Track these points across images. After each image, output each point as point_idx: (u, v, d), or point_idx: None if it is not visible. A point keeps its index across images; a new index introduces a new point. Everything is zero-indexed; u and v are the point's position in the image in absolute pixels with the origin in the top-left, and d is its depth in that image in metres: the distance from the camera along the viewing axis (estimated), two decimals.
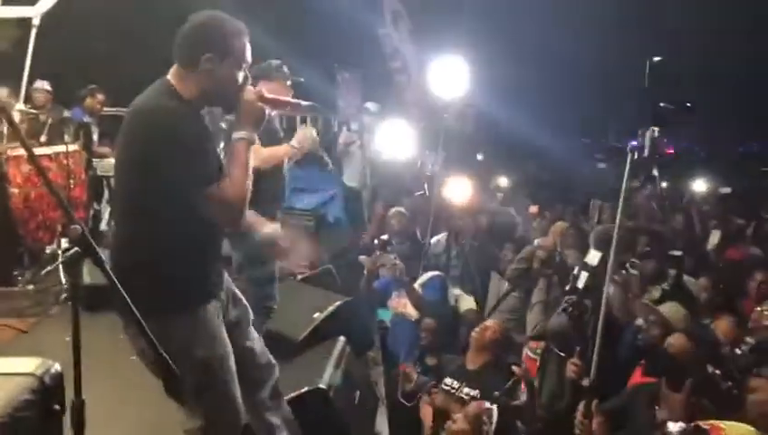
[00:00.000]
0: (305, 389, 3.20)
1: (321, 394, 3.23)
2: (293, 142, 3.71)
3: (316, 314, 4.11)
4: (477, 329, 4.12)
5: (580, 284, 3.23)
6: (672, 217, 8.09)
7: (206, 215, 2.24)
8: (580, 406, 2.87)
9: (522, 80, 15.51)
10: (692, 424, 2.35)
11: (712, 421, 2.37)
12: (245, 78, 2.36)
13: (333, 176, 8.26)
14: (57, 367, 2.35)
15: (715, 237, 6.15)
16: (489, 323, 4.21)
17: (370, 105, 7.05)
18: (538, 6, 15.70)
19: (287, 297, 3.87)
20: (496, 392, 3.37)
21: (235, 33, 2.32)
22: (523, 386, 3.17)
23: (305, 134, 3.79)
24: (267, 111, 2.45)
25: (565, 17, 16.63)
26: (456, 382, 3.95)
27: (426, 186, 8.23)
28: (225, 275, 2.56)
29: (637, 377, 3.44)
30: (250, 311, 2.68)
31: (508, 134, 13.89)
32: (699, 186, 11.42)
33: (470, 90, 4.11)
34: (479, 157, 10.68)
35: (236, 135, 2.34)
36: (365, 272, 5.58)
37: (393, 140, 5.36)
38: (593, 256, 3.28)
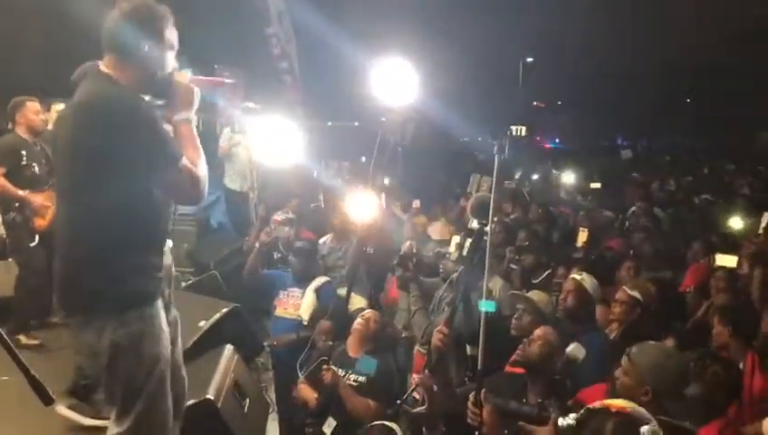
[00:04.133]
0: (192, 401, 3.05)
1: (208, 405, 3.12)
2: None
3: (201, 323, 3.96)
4: (361, 320, 4.23)
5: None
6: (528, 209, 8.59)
7: (177, 191, 2.32)
8: (471, 396, 2.92)
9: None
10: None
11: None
12: (174, 63, 2.43)
13: (216, 179, 7.99)
14: None
15: (583, 236, 6.51)
16: (369, 313, 4.32)
17: (251, 105, 6.91)
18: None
19: None
20: (398, 401, 3.42)
21: (166, 18, 2.38)
22: (422, 393, 3.21)
23: None
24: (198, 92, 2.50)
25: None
26: (341, 370, 4.04)
27: (321, 197, 8.17)
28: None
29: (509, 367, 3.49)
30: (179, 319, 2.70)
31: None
32: (569, 177, 12.16)
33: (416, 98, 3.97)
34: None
35: (178, 117, 2.39)
36: (257, 245, 5.43)
37: (273, 143, 5.22)
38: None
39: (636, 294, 4.02)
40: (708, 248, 5.90)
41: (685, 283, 5.38)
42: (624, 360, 2.66)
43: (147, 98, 2.46)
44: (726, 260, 4.78)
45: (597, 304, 4.42)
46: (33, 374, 1.81)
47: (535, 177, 11.95)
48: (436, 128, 12.78)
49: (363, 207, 4.94)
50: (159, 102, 2.50)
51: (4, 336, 1.79)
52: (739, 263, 4.78)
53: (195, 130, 2.43)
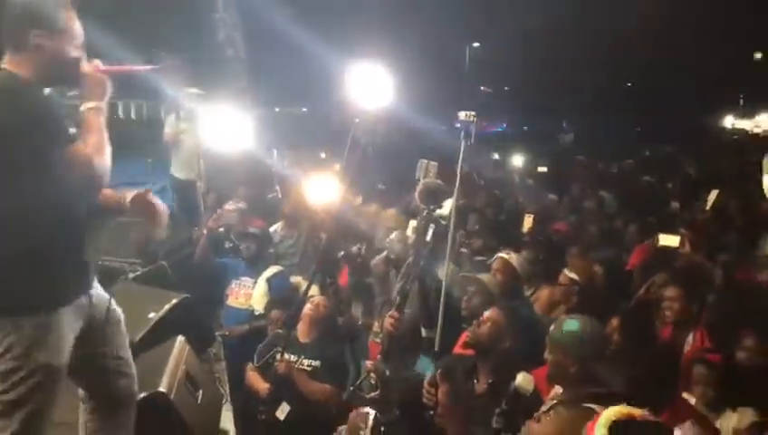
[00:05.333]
0: (144, 394, 2.99)
1: (161, 398, 3.06)
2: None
3: (151, 314, 3.88)
4: (311, 305, 4.24)
5: (428, 237, 3.43)
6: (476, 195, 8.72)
7: (68, 179, 2.19)
8: (427, 376, 2.95)
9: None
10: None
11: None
12: (81, 51, 2.36)
13: (161, 167, 7.80)
14: None
15: (528, 221, 6.62)
16: (317, 298, 4.35)
17: (194, 91, 6.74)
18: None
19: (119, 298, 3.56)
20: (351, 387, 3.45)
21: (59, 7, 2.30)
22: (374, 378, 3.23)
23: None
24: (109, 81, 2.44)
25: None
26: (293, 356, 4.06)
27: (278, 187, 8.06)
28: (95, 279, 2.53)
29: (458, 347, 3.53)
30: (122, 317, 2.66)
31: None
32: (517, 160, 12.41)
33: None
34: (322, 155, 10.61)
35: (86, 105, 2.33)
36: (204, 231, 5.36)
37: (222, 130, 5.10)
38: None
39: (573, 275, 4.15)
40: (645, 229, 6.09)
41: (630, 262, 5.55)
42: (546, 341, 2.73)
43: (48, 90, 2.36)
44: (669, 240, 4.93)
45: (544, 285, 4.53)
46: None
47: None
48: (404, 125, 12.77)
49: (323, 191, 4.86)
50: (71, 94, 2.45)
51: None
52: (681, 242, 4.94)
53: (103, 119, 2.35)
